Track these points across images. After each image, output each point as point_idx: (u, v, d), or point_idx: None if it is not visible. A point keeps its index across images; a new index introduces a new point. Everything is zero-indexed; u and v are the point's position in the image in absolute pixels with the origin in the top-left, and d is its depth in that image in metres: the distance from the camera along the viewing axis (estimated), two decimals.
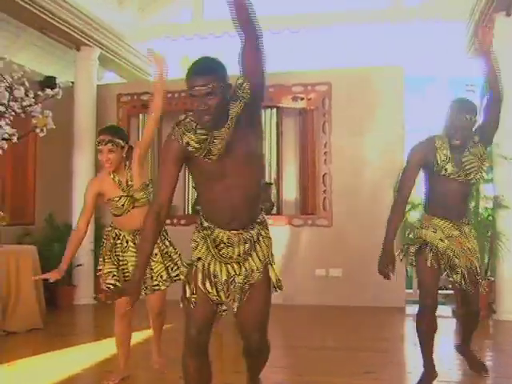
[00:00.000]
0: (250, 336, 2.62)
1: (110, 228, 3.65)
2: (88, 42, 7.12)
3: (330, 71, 7.51)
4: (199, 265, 2.53)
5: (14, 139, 5.63)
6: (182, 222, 7.45)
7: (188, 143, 2.41)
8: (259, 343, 2.63)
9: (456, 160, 3.51)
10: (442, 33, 9.18)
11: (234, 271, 2.51)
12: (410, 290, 7.18)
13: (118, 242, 3.53)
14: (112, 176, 3.53)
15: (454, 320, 6.39)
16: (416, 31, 9.35)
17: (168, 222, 7.42)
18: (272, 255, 2.63)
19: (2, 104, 5.54)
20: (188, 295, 2.52)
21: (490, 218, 6.53)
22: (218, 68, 2.43)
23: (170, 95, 7.68)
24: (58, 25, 6.48)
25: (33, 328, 5.40)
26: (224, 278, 2.50)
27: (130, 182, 3.53)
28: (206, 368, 2.59)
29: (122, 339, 3.67)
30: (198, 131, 2.41)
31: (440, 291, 7.23)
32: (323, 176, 7.19)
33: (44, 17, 6.24)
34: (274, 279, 2.61)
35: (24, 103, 5.66)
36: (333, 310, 6.66)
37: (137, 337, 5.04)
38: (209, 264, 2.52)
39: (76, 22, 6.66)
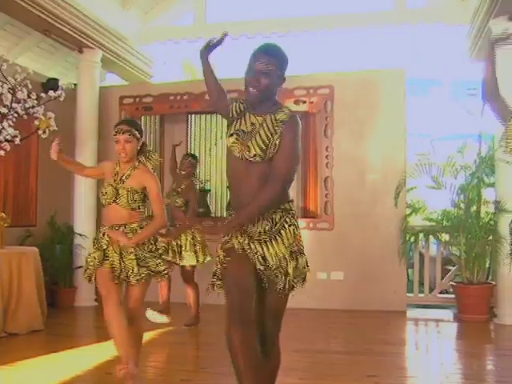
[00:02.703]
0: (271, 324, 2.69)
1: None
2: (91, 45, 7.13)
3: (332, 74, 7.51)
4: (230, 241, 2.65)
5: (17, 141, 5.65)
6: None
7: (231, 108, 2.78)
8: (276, 331, 2.72)
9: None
10: (444, 36, 9.20)
11: (258, 251, 2.59)
12: (411, 294, 7.17)
13: (103, 237, 3.53)
14: (116, 166, 3.59)
15: (456, 324, 6.40)
16: (419, 34, 9.38)
17: (169, 224, 7.43)
18: (300, 245, 2.70)
19: (4, 106, 5.56)
20: (221, 257, 2.64)
21: (492, 222, 6.53)
22: (282, 57, 2.73)
23: (172, 97, 7.71)
24: (60, 27, 6.49)
25: (34, 330, 5.40)
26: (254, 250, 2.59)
27: (123, 178, 3.53)
28: (252, 341, 2.48)
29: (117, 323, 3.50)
30: (241, 105, 2.77)
31: (441, 295, 7.27)
32: (325, 179, 7.19)
33: (47, 19, 6.25)
34: (303, 268, 2.71)
35: (27, 105, 5.67)
36: (334, 314, 6.65)
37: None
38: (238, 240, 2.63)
39: (79, 25, 6.67)
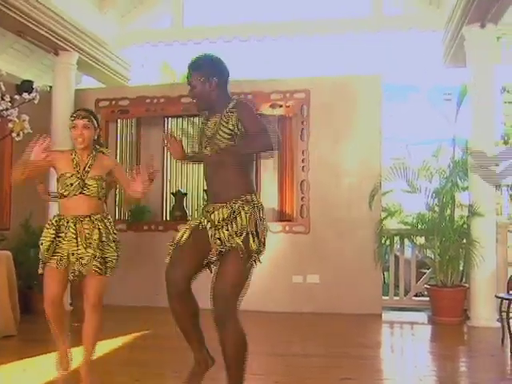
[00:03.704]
0: (214, 300, 2.90)
1: (53, 216, 3.61)
2: (67, 47, 7.07)
3: (308, 79, 7.54)
4: (191, 223, 3.09)
5: None
6: (160, 227, 7.41)
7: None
8: (221, 308, 2.88)
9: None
10: (420, 42, 9.32)
11: (218, 235, 2.96)
12: (387, 297, 7.23)
13: (62, 227, 3.49)
14: (73, 156, 3.56)
15: (430, 326, 6.46)
16: (395, 41, 9.50)
17: (145, 227, 7.41)
18: (255, 227, 2.97)
19: None
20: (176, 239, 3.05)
21: (465, 225, 6.61)
22: (202, 64, 3.09)
23: (148, 101, 7.68)
24: (36, 29, 6.42)
25: (6, 335, 5.31)
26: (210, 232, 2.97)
27: (87, 168, 3.55)
28: (186, 310, 3.00)
29: (59, 322, 3.64)
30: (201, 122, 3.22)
31: (416, 297, 7.34)
32: (301, 183, 7.22)
33: (22, 20, 6.17)
34: (252, 247, 2.97)
35: (0, 107, 5.61)
36: (310, 317, 6.67)
37: (112, 344, 5.02)
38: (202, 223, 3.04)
39: (55, 27, 6.61)
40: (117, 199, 7.96)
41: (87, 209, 3.52)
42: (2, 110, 5.62)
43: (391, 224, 7.52)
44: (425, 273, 7.32)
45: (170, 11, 8.09)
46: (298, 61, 12.22)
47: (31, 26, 6.32)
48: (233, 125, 3.00)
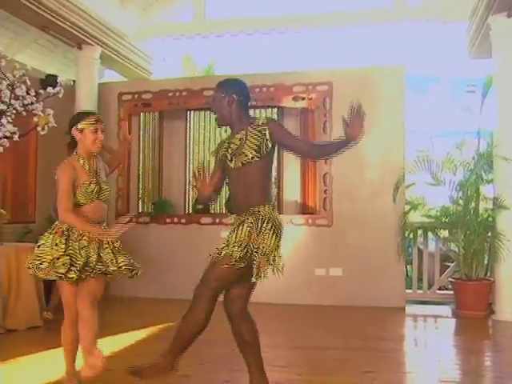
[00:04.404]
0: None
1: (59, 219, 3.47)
2: (90, 41, 7.13)
3: (330, 71, 7.50)
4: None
5: (16, 137, 5.64)
6: (183, 220, 7.45)
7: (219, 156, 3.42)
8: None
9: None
10: (443, 33, 9.20)
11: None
12: (410, 290, 7.19)
13: (71, 233, 3.38)
14: (82, 162, 3.47)
15: (454, 320, 6.41)
16: (418, 31, 9.38)
17: (168, 220, 7.45)
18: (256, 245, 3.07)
19: (3, 102, 5.55)
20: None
21: (490, 218, 6.54)
22: (222, 83, 3.32)
23: (171, 94, 7.71)
24: (59, 23, 6.49)
25: (32, 326, 5.41)
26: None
27: (98, 173, 3.52)
28: (243, 332, 3.24)
29: (72, 343, 3.53)
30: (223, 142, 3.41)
31: (439, 291, 7.29)
32: (324, 176, 7.20)
33: (46, 15, 6.25)
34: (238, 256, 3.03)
35: (25, 101, 5.66)
36: (332, 310, 6.66)
37: (139, 335, 5.07)
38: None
39: (78, 21, 6.67)
40: (140, 193, 8.02)
41: (101, 214, 3.50)
42: (27, 105, 5.67)
43: (415, 217, 7.47)
44: (449, 266, 7.26)
45: (191, 4, 8.09)
46: (320, 53, 12.14)
47: (55, 20, 6.40)
48: (263, 138, 3.18)
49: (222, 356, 3.99)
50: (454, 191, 6.71)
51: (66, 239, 3.35)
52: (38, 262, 3.31)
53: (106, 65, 8.12)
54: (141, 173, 8.05)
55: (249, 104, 3.37)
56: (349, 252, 7.00)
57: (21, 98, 5.63)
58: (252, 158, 3.14)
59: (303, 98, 7.32)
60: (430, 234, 7.26)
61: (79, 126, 3.46)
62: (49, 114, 5.79)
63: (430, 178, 6.83)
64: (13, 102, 5.58)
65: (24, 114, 5.71)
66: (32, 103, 5.70)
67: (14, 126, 5.61)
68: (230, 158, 3.25)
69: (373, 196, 7.03)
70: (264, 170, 3.21)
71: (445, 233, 7.10)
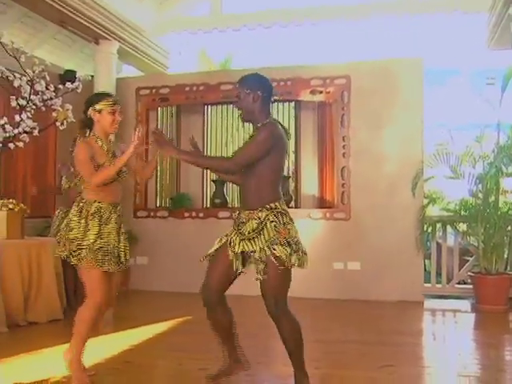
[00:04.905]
0: (265, 302, 3.16)
1: (83, 203, 3.48)
2: (107, 36, 7.16)
3: (348, 64, 7.46)
4: (223, 238, 3.29)
5: (35, 132, 5.70)
6: (201, 214, 7.48)
7: None
8: (272, 309, 3.15)
9: None
10: (463, 25, 9.09)
11: (248, 247, 3.16)
12: (429, 285, 7.15)
13: (100, 214, 3.40)
14: (100, 143, 3.47)
15: (474, 314, 6.37)
16: (437, 23, 9.28)
17: (186, 214, 7.47)
18: (283, 237, 3.14)
19: (23, 98, 5.61)
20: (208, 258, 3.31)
21: (510, 212, 6.47)
22: (246, 79, 3.33)
23: (188, 88, 7.73)
24: (77, 19, 6.53)
25: (53, 319, 5.46)
26: (238, 250, 3.17)
27: (116, 154, 3.51)
28: (220, 318, 3.33)
29: (92, 328, 3.50)
30: None
31: (458, 285, 7.23)
32: (342, 169, 7.17)
33: (64, 11, 6.28)
34: (280, 254, 3.10)
35: (45, 97, 5.72)
36: (350, 304, 6.65)
37: (157, 329, 5.11)
38: (231, 238, 3.25)
39: (95, 16, 6.70)
40: (158, 187, 8.05)
41: (120, 195, 3.52)
42: (46, 100, 5.72)
43: (433, 211, 7.42)
44: (468, 260, 7.21)
45: None
46: (337, 46, 12.08)
47: (73, 16, 6.43)
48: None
49: (244, 349, 3.95)
50: (473, 184, 6.65)
51: (99, 222, 3.38)
52: (72, 250, 3.35)
53: (123, 59, 8.15)
54: (159, 167, 8.08)
55: (272, 99, 3.37)
56: (367, 246, 6.98)
57: (40, 94, 5.70)
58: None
59: (321, 92, 7.29)
60: (448, 228, 7.20)
61: (97, 106, 3.45)
62: (67, 109, 5.85)
63: (449, 171, 6.77)
64: (32, 97, 5.64)
65: (43, 109, 5.78)
66: (51, 98, 5.76)
67: (33, 121, 5.66)
68: None
69: (391, 189, 6.99)
70: (273, 168, 3.23)
71: (464, 226, 7.04)
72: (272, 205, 3.19)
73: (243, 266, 3.24)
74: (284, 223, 3.18)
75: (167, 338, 4.93)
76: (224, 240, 3.30)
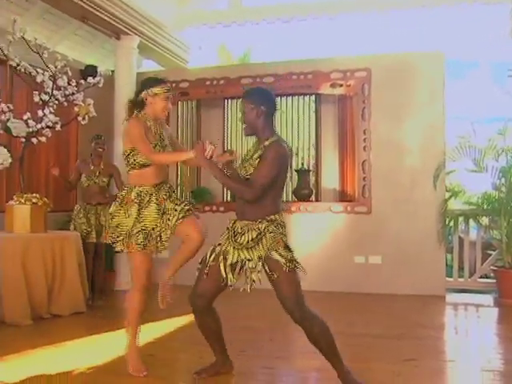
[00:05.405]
0: (283, 306, 3.17)
1: (125, 190, 3.55)
2: (128, 31, 7.18)
3: (369, 57, 7.40)
4: (217, 248, 3.32)
5: (58, 127, 5.75)
6: (221, 208, 7.50)
7: None
8: (297, 313, 3.14)
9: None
10: (484, 16, 8.97)
11: (244, 256, 3.19)
12: (451, 278, 7.10)
13: (140, 199, 3.46)
14: (149, 124, 3.53)
15: (496, 309, 6.31)
16: (458, 15, 9.17)
17: (207, 208, 7.49)
18: (281, 244, 3.19)
19: (46, 93, 5.66)
20: (200, 266, 3.40)
21: None
22: (251, 93, 3.37)
23: (208, 83, 7.74)
24: (99, 14, 6.56)
25: (76, 312, 5.53)
26: (233, 260, 3.21)
27: (162, 137, 3.58)
28: (207, 322, 3.44)
29: (140, 312, 3.62)
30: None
31: (481, 279, 7.17)
32: (363, 163, 7.14)
33: (85, 6, 6.31)
34: (280, 260, 3.14)
35: (67, 92, 5.77)
36: (372, 298, 6.63)
37: (179, 322, 5.14)
38: (225, 248, 3.27)
39: (116, 11, 6.72)
40: (178, 181, 8.08)
41: (165, 175, 3.58)
42: (68, 95, 5.77)
43: (455, 204, 7.35)
44: (491, 254, 7.14)
45: None
46: (357, 39, 12.01)
47: (95, 11, 6.46)
48: (258, 160, 3.23)
49: (263, 343, 4.01)
50: (496, 178, 6.58)
51: (138, 207, 3.44)
52: (116, 236, 3.46)
53: (143, 54, 8.18)
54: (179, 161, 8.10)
55: (275, 114, 3.40)
56: (388, 240, 6.94)
57: (62, 89, 5.75)
58: (250, 174, 3.23)
59: (341, 85, 7.26)
60: (471, 222, 7.13)
61: (153, 90, 3.51)
62: (89, 104, 5.89)
63: (471, 164, 6.71)
64: (55, 92, 5.69)
65: (65, 104, 5.82)
66: (73, 93, 5.81)
67: (55, 116, 5.71)
68: (240, 168, 3.36)
69: (412, 183, 6.95)
70: (275, 183, 3.21)
71: (486, 220, 6.98)
72: (272, 217, 3.23)
73: (233, 276, 3.25)
74: (281, 234, 3.23)
75: (188, 331, 4.94)
76: (218, 250, 3.32)
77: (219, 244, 3.34)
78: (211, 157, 3.25)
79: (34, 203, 5.45)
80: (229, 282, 3.25)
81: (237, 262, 3.23)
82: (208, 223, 3.70)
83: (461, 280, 7.16)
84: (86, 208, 6.16)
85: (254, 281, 3.17)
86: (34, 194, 5.53)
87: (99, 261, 6.26)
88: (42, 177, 7.11)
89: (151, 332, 4.59)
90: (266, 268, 3.17)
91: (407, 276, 6.83)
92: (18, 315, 5.01)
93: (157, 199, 3.47)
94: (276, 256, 3.15)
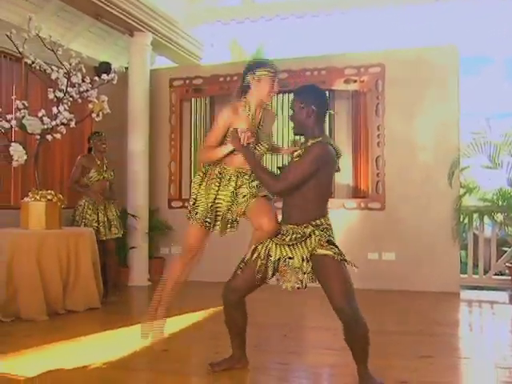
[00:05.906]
0: (332, 304, 3.08)
1: (208, 166, 3.52)
2: (141, 28, 7.21)
3: (382, 53, 7.37)
4: (259, 246, 3.26)
5: (72, 124, 5.78)
6: None
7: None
8: (348, 311, 3.07)
9: None
10: (498, 11, 8.90)
11: (286, 253, 3.14)
12: (465, 275, 7.06)
13: (221, 177, 3.42)
14: (247, 111, 3.43)
15: (511, 306, 6.27)
16: (472, 10, 9.10)
17: None
18: (325, 242, 3.14)
19: (60, 90, 5.69)
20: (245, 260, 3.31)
21: None
22: (301, 91, 3.27)
23: (222, 79, 7.74)
24: (112, 11, 6.58)
25: (91, 307, 5.57)
26: (276, 257, 3.16)
27: (261, 124, 3.46)
28: (235, 318, 3.42)
29: (177, 282, 3.73)
30: None
31: (496, 276, 7.13)
32: (376, 159, 7.11)
33: (99, 4, 6.34)
34: (328, 253, 3.09)
35: (81, 89, 5.79)
36: (386, 294, 6.61)
37: (193, 318, 5.16)
38: (267, 246, 3.23)
39: (130, 8, 6.74)
40: (192, 177, 8.10)
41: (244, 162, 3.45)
42: (82, 92, 5.80)
43: (469, 201, 7.31)
44: (506, 251, 7.09)
45: None
46: (371, 34, 11.95)
47: (108, 8, 6.49)
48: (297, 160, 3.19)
49: (278, 339, 4.01)
50: (511, 174, 6.53)
51: (218, 185, 3.42)
52: (195, 212, 3.47)
53: (157, 51, 8.19)
54: (193, 158, 8.12)
55: (326, 114, 3.32)
56: (402, 236, 6.92)
57: (77, 86, 5.76)
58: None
59: (355, 81, 7.23)
60: (485, 219, 7.08)
61: (258, 73, 3.39)
62: (103, 101, 5.91)
63: (486, 160, 6.66)
64: (69, 89, 5.71)
65: (79, 101, 5.85)
66: (87, 90, 5.83)
67: (70, 113, 5.74)
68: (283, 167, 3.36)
69: (426, 179, 6.91)
70: (320, 186, 3.17)
71: (501, 217, 6.93)
72: (318, 221, 3.19)
73: (273, 274, 3.22)
74: (329, 236, 3.20)
75: (204, 326, 4.97)
76: (260, 248, 3.28)
77: (261, 243, 3.30)
78: (248, 144, 3.23)
79: (48, 200, 5.48)
80: (267, 279, 3.23)
81: (279, 259, 3.18)
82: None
83: (475, 277, 7.12)
84: (95, 204, 6.18)
85: (301, 281, 3.12)
86: (49, 191, 5.57)
87: (111, 257, 6.29)
88: (57, 173, 7.15)
89: (166, 327, 4.61)
90: (314, 266, 3.11)
91: (421, 273, 6.80)
92: (34, 311, 5.05)
93: (236, 183, 3.41)
94: (322, 251, 3.09)
